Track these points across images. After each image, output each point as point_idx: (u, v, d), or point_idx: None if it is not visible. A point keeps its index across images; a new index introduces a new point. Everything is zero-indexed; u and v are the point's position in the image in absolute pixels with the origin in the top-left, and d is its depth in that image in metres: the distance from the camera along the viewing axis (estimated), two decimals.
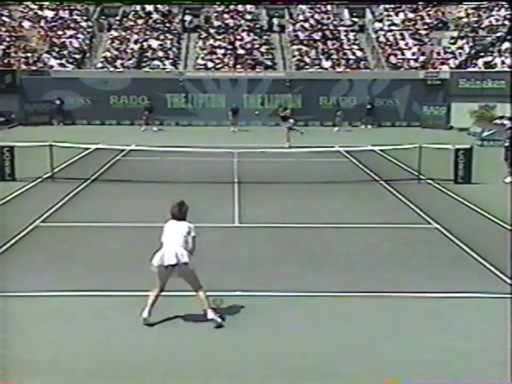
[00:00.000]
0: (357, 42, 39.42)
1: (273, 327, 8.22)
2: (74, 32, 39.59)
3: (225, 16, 41.32)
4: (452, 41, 38.33)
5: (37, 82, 34.35)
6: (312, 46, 38.77)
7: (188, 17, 41.26)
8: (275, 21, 41.41)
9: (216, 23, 40.81)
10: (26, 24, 40.30)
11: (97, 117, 34.59)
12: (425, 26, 40.03)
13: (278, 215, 14.32)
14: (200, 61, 37.53)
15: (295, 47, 38.95)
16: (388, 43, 38.93)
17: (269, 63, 37.50)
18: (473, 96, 33.21)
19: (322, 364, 7.20)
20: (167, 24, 40.70)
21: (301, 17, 41.35)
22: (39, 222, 13.40)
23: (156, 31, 39.99)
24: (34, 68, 36.19)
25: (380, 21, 40.86)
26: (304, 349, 7.59)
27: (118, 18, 41.08)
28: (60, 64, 36.85)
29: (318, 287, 9.63)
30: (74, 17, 41.06)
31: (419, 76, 35.30)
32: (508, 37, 36.02)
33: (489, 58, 35.69)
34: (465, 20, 39.76)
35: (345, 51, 38.36)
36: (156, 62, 37.25)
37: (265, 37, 39.80)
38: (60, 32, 39.51)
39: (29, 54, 37.33)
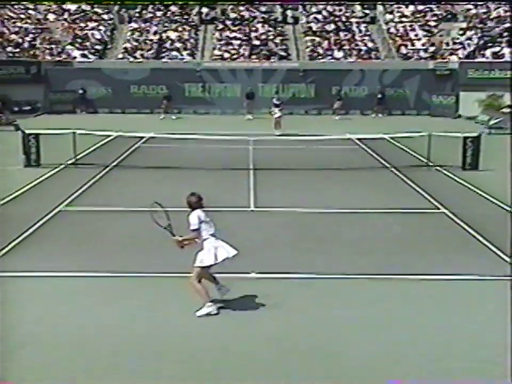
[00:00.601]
0: (368, 33, 39.09)
1: (286, 308, 8.18)
2: (96, 24, 39.60)
3: (241, 8, 41.09)
4: (461, 32, 37.88)
5: (61, 72, 34.47)
6: (325, 37, 38.49)
7: (204, 10, 41.07)
8: (289, 12, 41.12)
9: (232, 15, 40.60)
10: (50, 16, 40.35)
11: (118, 105, 34.65)
12: (435, 18, 39.59)
13: (292, 200, 14.26)
14: (216, 52, 37.41)
15: (308, 38, 38.69)
16: (398, 34, 38.57)
17: (283, 53, 37.30)
18: (481, 86, 32.83)
19: (332, 345, 7.16)
20: (185, 16, 40.55)
21: (314, 9, 41.02)
22: (62, 207, 13.44)
23: (174, 22, 39.87)
24: (58, 58, 36.30)
25: (391, 12, 40.45)
26: (314, 329, 7.55)
27: (137, 10, 40.99)
28: (83, 55, 36.91)
29: (329, 269, 9.59)
30: (96, 9, 41.03)
31: (428, 66, 34.99)
32: None
33: (497, 49, 35.24)
34: (473, 11, 39.24)
35: (357, 42, 38.07)
36: (174, 53, 37.17)
37: (279, 29, 39.57)
38: (82, 24, 39.55)
39: (53, 46, 37.43)
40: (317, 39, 38.36)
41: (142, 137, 22.83)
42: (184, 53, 37.23)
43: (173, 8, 41.03)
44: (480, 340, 7.26)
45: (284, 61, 36.46)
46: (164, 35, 38.83)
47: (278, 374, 6.50)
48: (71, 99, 34.74)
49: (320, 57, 36.80)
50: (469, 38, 37.00)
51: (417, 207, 13.73)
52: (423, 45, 37.47)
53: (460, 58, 35.52)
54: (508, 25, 36.57)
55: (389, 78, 34.26)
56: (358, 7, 41.40)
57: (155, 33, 38.98)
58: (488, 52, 35.41)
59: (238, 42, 38.10)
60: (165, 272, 9.27)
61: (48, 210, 12.97)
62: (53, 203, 13.54)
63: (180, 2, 41.10)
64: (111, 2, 41.07)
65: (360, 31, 39.07)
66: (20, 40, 37.55)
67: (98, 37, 38.75)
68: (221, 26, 39.58)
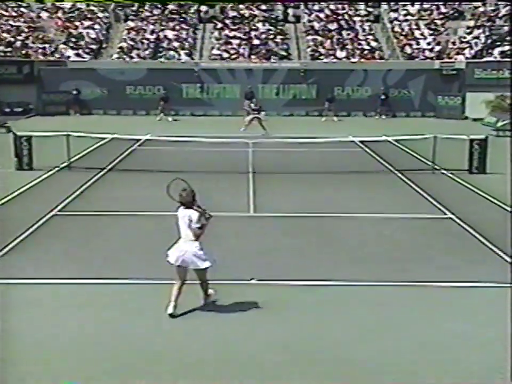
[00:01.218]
0: (372, 32, 39.19)
1: (288, 314, 8.20)
2: (91, 23, 39.70)
3: (241, 6, 41.18)
4: (468, 30, 37.93)
5: (55, 72, 34.55)
6: (327, 36, 38.57)
7: (203, 8, 41.18)
8: (290, 11, 41.22)
9: (231, 14, 40.70)
10: (44, 15, 40.44)
11: (114, 107, 34.73)
12: (441, 16, 39.68)
13: (293, 205, 14.29)
14: (215, 51, 37.49)
15: (310, 37, 38.79)
16: (403, 33, 38.65)
17: (283, 53, 37.37)
18: (488, 86, 32.86)
19: (337, 350, 7.19)
20: (183, 15, 40.65)
21: (316, 7, 41.12)
22: (56, 211, 13.45)
23: (172, 21, 39.97)
24: (51, 58, 36.37)
25: (395, 10, 40.55)
26: (319, 336, 7.58)
27: (134, 8, 41.09)
28: (77, 55, 36.99)
29: (332, 276, 9.61)
30: (91, 7, 41.13)
31: (434, 66, 35.08)
32: None
33: (506, 48, 35.29)
34: (481, 9, 39.32)
35: (360, 41, 38.15)
36: (172, 53, 37.26)
37: (280, 27, 39.66)
38: (77, 23, 39.63)
39: (46, 45, 37.49)
40: (319, 38, 38.44)
41: (138, 140, 22.89)
42: (182, 52, 37.32)
43: (171, 6, 41.13)
44: (489, 349, 7.29)
45: (284, 61, 36.54)
46: (161, 34, 38.92)
47: (283, 378, 6.55)
48: (65, 100, 34.79)
49: (322, 57, 36.88)
50: (477, 37, 37.06)
51: (423, 212, 13.75)
52: (428, 44, 37.55)
53: (466, 57, 35.58)
54: None
55: (393, 79, 34.33)
56: (362, 5, 41.50)
57: (152, 32, 39.08)
58: (496, 51, 35.46)
59: (238, 41, 38.19)
60: (164, 279, 9.28)
61: (41, 214, 12.99)
62: (46, 207, 13.55)
63: (178, 1, 41.23)
64: (107, 2, 41.17)
65: (363, 30, 39.17)
66: (12, 39, 37.64)
67: (93, 36, 38.84)
68: (220, 25, 39.68)
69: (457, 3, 40.16)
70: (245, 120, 27.41)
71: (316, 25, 39.57)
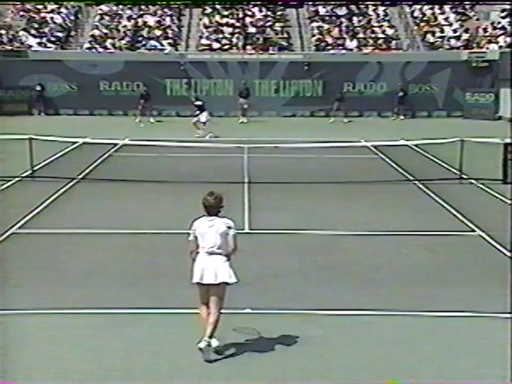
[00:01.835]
0: (387, 18, 39.34)
1: (286, 350, 8.21)
2: (57, 6, 39.73)
3: None
4: (503, 14, 37.94)
5: (13, 64, 34.43)
6: (335, 23, 38.74)
7: None
8: None
9: None
10: None
11: (85, 105, 34.73)
12: None
13: (295, 220, 14.32)
14: (204, 41, 37.61)
15: (314, 24, 38.95)
16: (425, 18, 38.81)
17: (284, 43, 37.52)
18: None
19: None
20: None
21: None
22: (15, 229, 13.45)
23: (153, 5, 40.09)
24: (9, 47, 36.30)
25: None
26: (325, 376, 7.59)
27: None
28: (40, 44, 36.99)
29: (341, 304, 9.63)
30: None
31: (462, 57, 35.17)
32: None
33: None
34: None
35: (373, 29, 38.30)
36: (153, 42, 37.36)
37: (279, 13, 39.82)
38: (39, 6, 39.65)
39: (2, 32, 37.47)
40: (325, 25, 38.62)
41: (114, 145, 22.91)
42: (165, 42, 37.45)
43: None
44: None
45: (285, 52, 36.66)
46: (140, 20, 39.05)
47: None
48: (26, 97, 34.81)
49: (329, 47, 37.03)
50: None
51: (447, 229, 13.79)
52: (454, 31, 37.70)
53: (500, 46, 35.69)
54: None
55: (412, 72, 34.48)
56: None
57: (129, 18, 39.22)
58: None
59: (230, 29, 38.34)
60: (141, 308, 9.31)
61: None
62: (2, 225, 13.54)
63: None
64: None
65: (377, 15, 39.35)
66: None
67: (59, 21, 38.92)
68: (209, 10, 39.85)
69: None
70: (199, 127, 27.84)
71: (322, 10, 39.77)
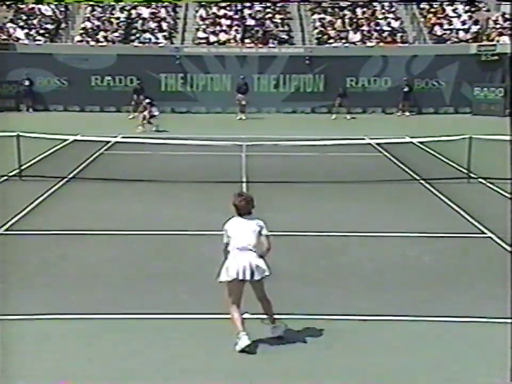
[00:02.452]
0: (393, 9, 39.36)
1: (288, 356, 8.20)
2: None
3: None
4: None
5: (0, 58, 34.43)
6: (338, 15, 38.76)
7: None
8: None
9: None
10: None
11: (76, 101, 34.81)
12: None
13: (296, 222, 14.32)
14: (200, 34, 37.62)
15: (316, 16, 38.97)
16: (432, 10, 38.82)
17: (284, 36, 37.54)
18: None
19: None
20: None
21: None
22: (2, 230, 13.44)
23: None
24: None
25: None
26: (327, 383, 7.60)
27: None
28: (28, 36, 37.00)
29: (344, 309, 9.62)
30: None
31: (470, 51, 35.24)
32: None
33: None
34: None
35: (378, 21, 38.32)
36: (147, 35, 37.37)
37: (280, 5, 39.81)
38: None
39: None
40: (328, 17, 38.64)
41: (106, 142, 22.93)
42: (160, 35, 37.45)
43: None
44: None
45: (285, 46, 36.68)
46: (134, 12, 39.05)
47: None
48: (14, 93, 34.85)
49: (331, 40, 37.05)
50: None
51: (455, 230, 13.79)
52: (463, 23, 37.72)
53: None
54: None
55: (419, 67, 34.54)
56: None
57: (122, 9, 39.21)
58: None
59: (228, 22, 38.35)
60: (137, 313, 9.29)
61: None
62: None
63: None
64: None
65: (382, 6, 39.36)
66: None
67: (49, 13, 38.92)
68: (206, 1, 39.84)
69: None
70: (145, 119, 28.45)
71: (324, 1, 39.76)
